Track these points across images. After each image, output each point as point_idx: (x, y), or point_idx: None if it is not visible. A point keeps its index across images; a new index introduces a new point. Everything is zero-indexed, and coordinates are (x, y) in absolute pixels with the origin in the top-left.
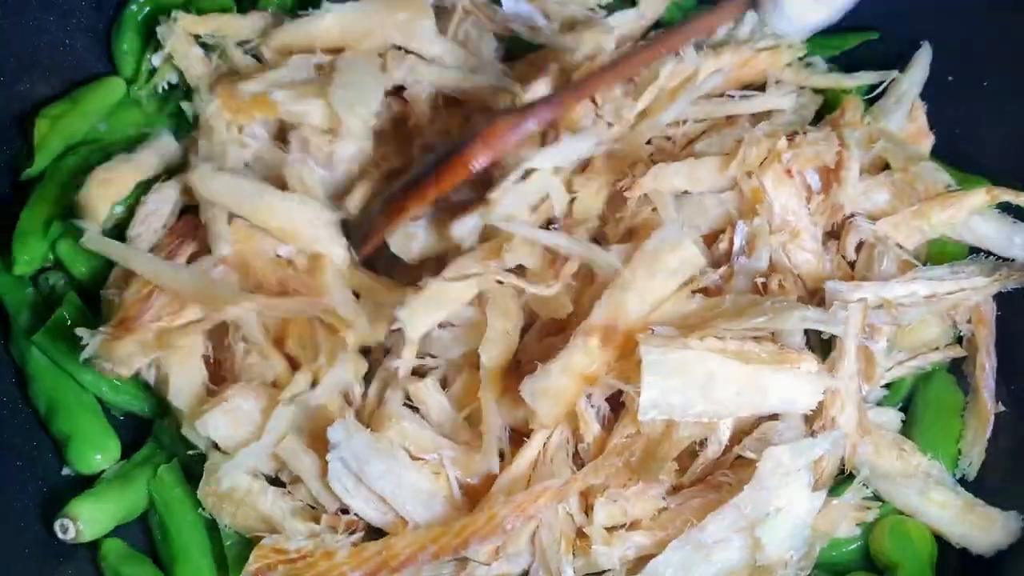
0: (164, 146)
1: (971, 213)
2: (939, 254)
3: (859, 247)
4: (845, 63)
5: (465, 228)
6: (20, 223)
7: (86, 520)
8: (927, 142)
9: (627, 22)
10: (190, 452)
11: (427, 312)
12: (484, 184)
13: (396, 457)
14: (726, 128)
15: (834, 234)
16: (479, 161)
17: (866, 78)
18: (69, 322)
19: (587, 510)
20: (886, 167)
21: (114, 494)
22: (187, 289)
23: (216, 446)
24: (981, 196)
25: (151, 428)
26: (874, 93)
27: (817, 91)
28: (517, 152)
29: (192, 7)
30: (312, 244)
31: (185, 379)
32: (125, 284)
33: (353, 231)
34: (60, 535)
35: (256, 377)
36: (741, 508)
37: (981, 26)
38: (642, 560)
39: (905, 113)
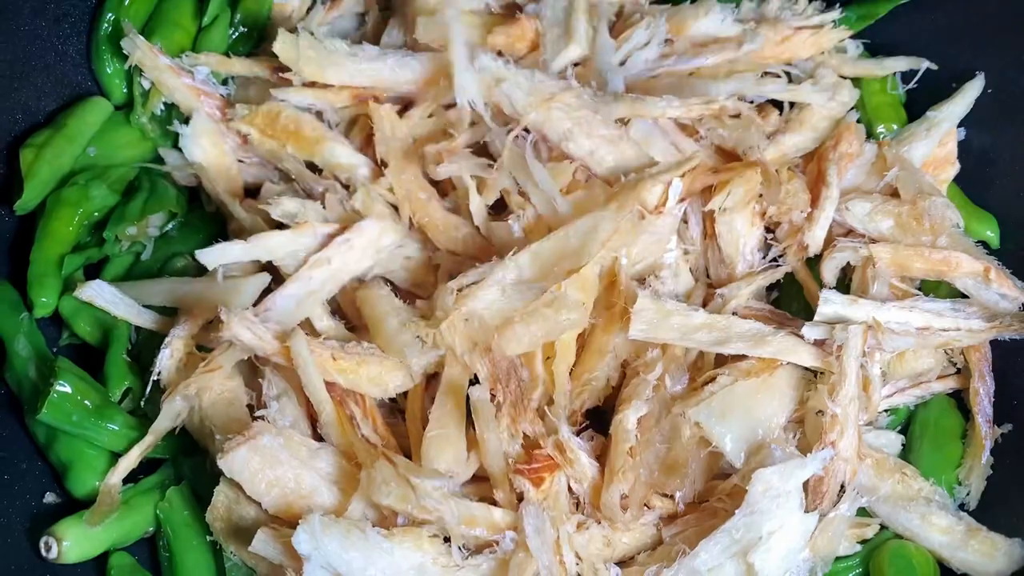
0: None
1: (963, 276)
2: (935, 284)
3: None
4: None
5: None
6: (33, 265)
7: (71, 541)
8: (951, 170)
9: None
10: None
11: None
12: None
13: (372, 543)
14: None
15: None
16: None
17: (898, 64)
18: (71, 391)
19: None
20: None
21: (108, 519)
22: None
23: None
24: (978, 269)
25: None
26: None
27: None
28: None
29: (153, 22)
30: None
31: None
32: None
33: None
34: (43, 553)
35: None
36: (732, 533)
37: None
38: None
39: (935, 142)
